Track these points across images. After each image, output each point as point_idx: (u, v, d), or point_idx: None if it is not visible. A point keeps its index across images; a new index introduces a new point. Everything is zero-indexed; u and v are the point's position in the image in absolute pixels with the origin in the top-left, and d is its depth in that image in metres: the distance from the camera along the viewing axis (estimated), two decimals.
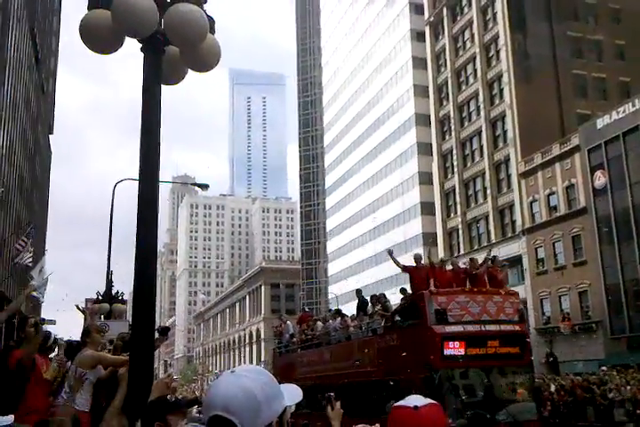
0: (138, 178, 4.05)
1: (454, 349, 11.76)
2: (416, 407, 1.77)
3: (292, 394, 1.72)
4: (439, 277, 12.83)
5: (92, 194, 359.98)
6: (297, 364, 18.86)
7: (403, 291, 14.11)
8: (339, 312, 17.61)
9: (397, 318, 13.44)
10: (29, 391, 4.84)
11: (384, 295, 15.48)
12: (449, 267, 14.47)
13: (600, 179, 35.24)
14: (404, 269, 13.77)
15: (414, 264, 13.54)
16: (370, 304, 15.57)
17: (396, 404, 1.86)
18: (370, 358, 14.01)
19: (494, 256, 15.04)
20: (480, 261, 13.91)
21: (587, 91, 44.38)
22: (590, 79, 44.47)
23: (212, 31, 4.27)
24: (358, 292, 17.62)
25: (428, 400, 1.84)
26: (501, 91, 45.52)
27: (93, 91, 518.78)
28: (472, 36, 49.96)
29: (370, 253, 68.13)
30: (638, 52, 42.49)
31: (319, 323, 18.28)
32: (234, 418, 1.51)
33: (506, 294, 13.30)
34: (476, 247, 46.68)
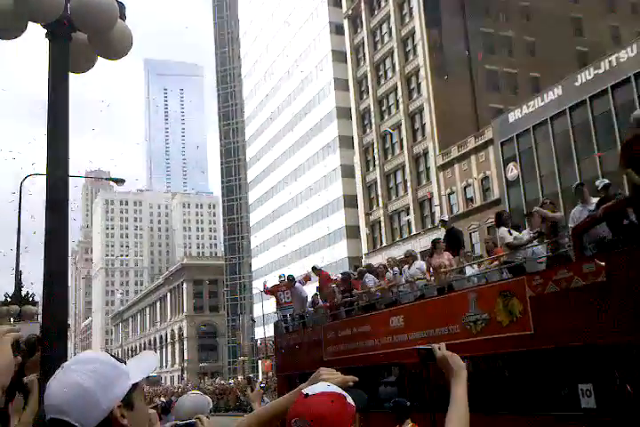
0: (45, 173, 3.81)
1: None
2: (307, 395, 1.58)
3: (142, 366, 1.60)
4: None
5: None
6: (326, 341, 13.89)
7: (578, 188, 8.94)
8: (435, 242, 11.57)
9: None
10: None
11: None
12: None
13: (512, 171, 36.66)
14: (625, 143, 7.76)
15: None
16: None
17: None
18: (512, 317, 8.86)
19: None
20: None
21: (499, 85, 45.95)
22: (502, 74, 46.06)
23: (123, 17, 4.05)
24: (444, 222, 12.92)
25: (333, 389, 1.61)
26: (419, 85, 46.47)
27: None
28: (390, 30, 50.64)
29: (294, 248, 68.22)
30: (547, 49, 44.32)
31: (369, 275, 13.21)
32: (67, 418, 1.45)
33: None
34: (397, 239, 47.60)
